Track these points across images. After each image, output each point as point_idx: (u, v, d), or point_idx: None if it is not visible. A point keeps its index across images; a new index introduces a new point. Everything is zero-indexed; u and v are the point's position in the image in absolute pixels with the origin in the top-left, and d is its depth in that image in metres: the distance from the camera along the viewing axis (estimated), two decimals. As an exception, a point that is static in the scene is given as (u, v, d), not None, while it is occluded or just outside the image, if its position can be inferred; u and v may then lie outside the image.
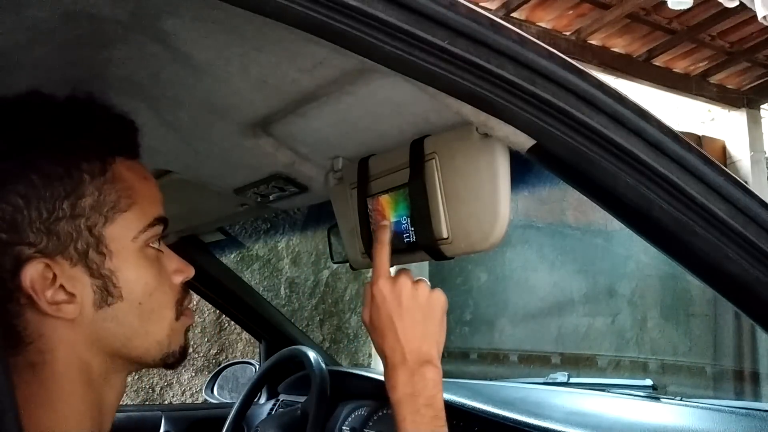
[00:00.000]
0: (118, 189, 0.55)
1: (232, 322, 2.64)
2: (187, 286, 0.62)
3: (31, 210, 0.51)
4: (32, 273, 0.51)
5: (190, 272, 0.62)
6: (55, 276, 0.52)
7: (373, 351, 3.26)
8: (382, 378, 1.38)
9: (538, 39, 0.55)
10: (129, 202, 0.56)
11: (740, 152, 4.57)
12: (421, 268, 3.21)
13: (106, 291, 0.54)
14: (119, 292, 0.55)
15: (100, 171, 0.54)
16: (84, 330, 0.54)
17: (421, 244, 0.74)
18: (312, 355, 1.30)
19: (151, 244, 0.58)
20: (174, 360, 0.60)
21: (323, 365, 1.26)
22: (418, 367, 0.68)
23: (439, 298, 0.71)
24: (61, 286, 0.52)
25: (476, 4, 0.54)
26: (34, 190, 0.51)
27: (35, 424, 0.50)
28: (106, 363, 0.56)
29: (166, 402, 2.65)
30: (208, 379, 1.74)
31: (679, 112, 4.73)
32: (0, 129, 0.52)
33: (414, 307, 0.69)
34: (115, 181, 0.55)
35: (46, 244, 0.51)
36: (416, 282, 0.71)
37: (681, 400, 1.09)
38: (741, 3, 3.00)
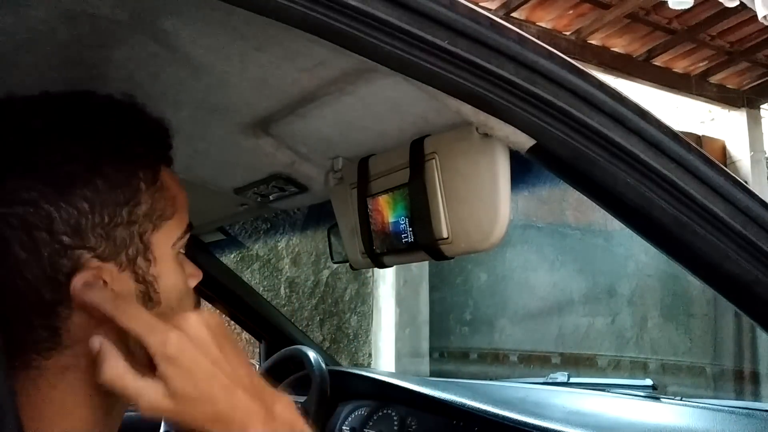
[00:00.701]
0: (166, 197, 0.56)
1: (232, 322, 2.64)
2: (196, 290, 0.63)
3: (95, 215, 0.51)
4: (88, 276, 0.51)
5: (200, 276, 0.63)
6: (106, 281, 0.52)
7: (373, 351, 3.26)
8: (382, 378, 1.38)
9: (538, 39, 0.55)
10: (172, 211, 0.57)
11: (740, 152, 4.57)
12: (421, 268, 3.21)
13: (148, 296, 0.55)
14: (158, 297, 0.55)
15: (153, 179, 0.55)
16: (118, 333, 0.52)
17: (421, 244, 0.74)
18: (312, 355, 1.30)
19: (182, 251, 0.59)
20: None
21: (323, 365, 1.26)
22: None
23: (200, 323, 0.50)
24: (112, 291, 0.52)
25: (476, 4, 0.54)
26: (99, 195, 0.51)
27: (50, 426, 0.50)
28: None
29: (166, 402, 2.64)
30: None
31: (679, 112, 4.73)
32: (65, 128, 0.52)
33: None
34: (163, 189, 0.56)
35: (104, 250, 0.52)
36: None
37: (681, 400, 1.09)
38: (741, 3, 3.00)
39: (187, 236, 0.59)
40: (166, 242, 0.56)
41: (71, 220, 0.50)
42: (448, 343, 3.49)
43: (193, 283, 0.62)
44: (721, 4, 3.11)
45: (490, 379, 1.57)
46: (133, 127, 0.56)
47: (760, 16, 2.93)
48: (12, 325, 0.50)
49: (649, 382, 1.26)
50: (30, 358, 0.51)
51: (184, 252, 0.60)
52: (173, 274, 0.57)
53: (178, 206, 0.58)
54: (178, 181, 0.60)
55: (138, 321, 0.49)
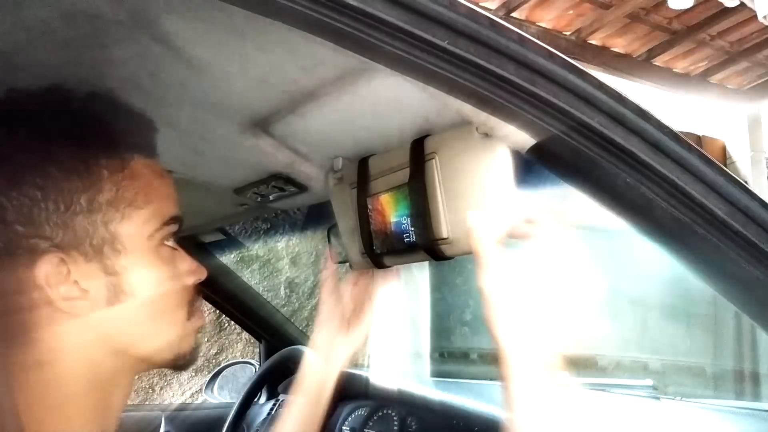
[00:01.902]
0: (136, 186, 0.55)
1: (232, 322, 2.64)
2: (198, 288, 0.62)
3: (48, 203, 0.50)
4: (47, 267, 0.50)
5: (202, 274, 0.61)
6: (69, 271, 0.51)
7: (374, 351, 3.26)
8: (382, 378, 1.37)
9: (538, 39, 0.55)
10: (145, 200, 0.55)
11: (740, 152, 4.57)
12: (422, 268, 3.21)
13: (120, 288, 0.53)
14: (130, 290, 0.54)
15: (118, 167, 0.54)
16: (95, 327, 0.53)
17: (421, 244, 0.74)
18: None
19: (165, 243, 0.57)
20: (184, 362, 0.59)
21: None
22: None
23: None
24: (75, 282, 0.51)
25: (476, 4, 0.54)
26: (52, 182, 0.50)
27: (38, 424, 0.50)
28: (115, 362, 0.55)
29: (166, 402, 2.65)
30: (208, 379, 1.74)
31: (679, 112, 4.73)
32: (21, 120, 0.52)
33: None
34: (133, 178, 0.55)
35: (62, 238, 0.51)
36: None
37: (681, 400, 1.09)
38: (741, 2, 3.00)
39: (170, 228, 0.57)
40: (139, 233, 0.55)
41: (24, 209, 0.49)
42: (448, 343, 3.49)
43: (191, 280, 0.60)
44: (721, 3, 3.11)
45: (490, 379, 1.57)
46: (100, 118, 0.54)
47: (760, 16, 2.93)
48: None
49: (649, 382, 1.26)
50: (8, 353, 0.51)
51: (173, 246, 0.58)
52: (150, 266, 0.55)
53: (154, 196, 0.56)
54: (161, 172, 0.59)
55: None
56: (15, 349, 0.51)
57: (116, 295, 0.53)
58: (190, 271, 0.60)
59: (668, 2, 3.08)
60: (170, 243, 0.58)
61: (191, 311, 0.60)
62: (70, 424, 0.52)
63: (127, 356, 0.56)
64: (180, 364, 0.59)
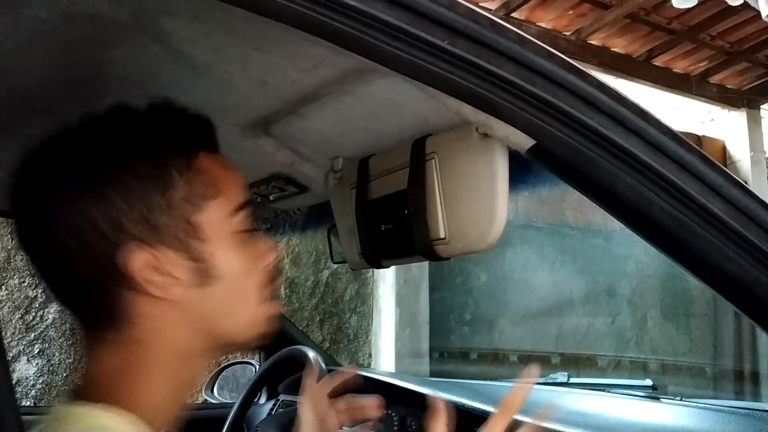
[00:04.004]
0: (204, 179, 0.60)
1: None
2: (275, 269, 0.66)
3: (132, 209, 0.56)
4: (140, 261, 0.56)
5: (273, 254, 0.66)
6: (160, 262, 0.57)
7: (373, 351, 3.26)
8: (382, 378, 1.38)
9: (538, 39, 0.55)
10: (215, 191, 0.60)
11: (740, 152, 4.58)
12: (421, 268, 3.22)
13: (206, 273, 0.59)
14: (217, 273, 0.59)
15: (186, 165, 0.59)
16: (185, 310, 0.58)
17: (419, 244, 0.74)
18: (312, 355, 1.30)
19: (241, 228, 0.62)
20: (255, 343, 0.65)
21: (323, 365, 1.26)
22: None
23: None
24: (167, 271, 0.57)
25: (476, 4, 0.54)
26: (131, 190, 0.56)
27: (129, 389, 0.57)
28: (198, 343, 0.61)
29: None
30: (208, 379, 1.74)
31: (679, 112, 4.73)
32: (94, 139, 0.58)
33: None
34: (201, 172, 0.60)
35: (150, 236, 0.56)
36: None
37: (681, 400, 1.09)
38: (744, 2, 3.00)
39: (243, 213, 0.62)
40: (216, 220, 0.60)
41: (111, 217, 0.55)
42: (448, 343, 3.49)
43: (267, 260, 0.64)
44: (722, 3, 3.11)
45: (490, 379, 1.57)
46: (163, 125, 0.60)
47: (763, 15, 2.92)
48: (84, 307, 0.59)
49: (649, 382, 1.26)
50: (105, 332, 0.58)
51: (250, 228, 0.63)
52: (230, 250, 0.60)
53: (222, 186, 0.61)
54: (225, 164, 0.63)
55: None
56: (118, 331, 0.57)
57: (204, 279, 0.59)
58: (265, 251, 0.65)
59: (672, 1, 3.07)
60: (246, 226, 0.63)
61: (266, 294, 0.64)
62: (154, 392, 0.58)
63: (208, 338, 0.61)
64: (254, 344, 0.65)
